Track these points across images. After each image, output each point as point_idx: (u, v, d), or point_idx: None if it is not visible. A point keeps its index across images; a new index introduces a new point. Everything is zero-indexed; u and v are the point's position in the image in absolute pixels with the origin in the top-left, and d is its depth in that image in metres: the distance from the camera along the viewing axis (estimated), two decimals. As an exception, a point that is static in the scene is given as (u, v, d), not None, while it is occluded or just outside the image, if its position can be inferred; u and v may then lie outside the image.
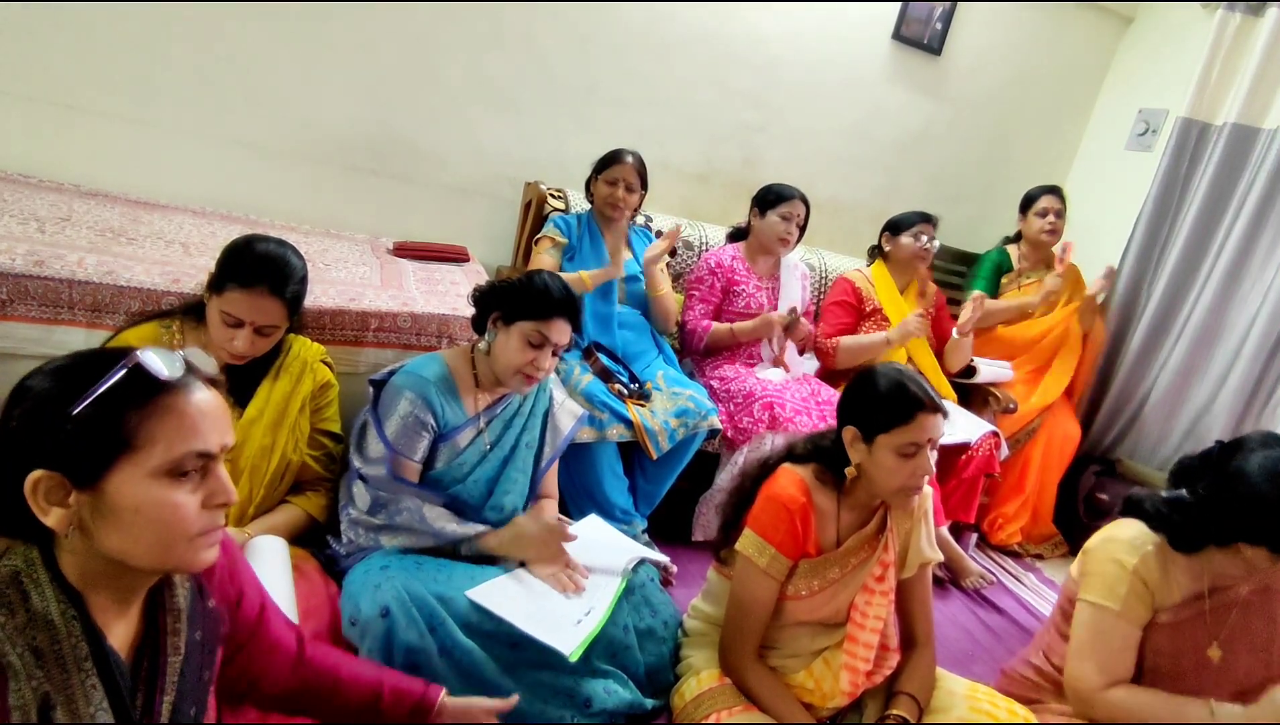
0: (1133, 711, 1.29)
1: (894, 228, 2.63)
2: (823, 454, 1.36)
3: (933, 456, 1.26)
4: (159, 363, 0.70)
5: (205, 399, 0.73)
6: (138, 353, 0.70)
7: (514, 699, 1.10)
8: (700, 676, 1.36)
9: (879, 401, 1.26)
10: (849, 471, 1.31)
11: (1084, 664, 1.34)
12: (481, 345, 1.53)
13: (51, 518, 0.67)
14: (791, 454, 1.41)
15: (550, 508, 1.68)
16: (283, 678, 0.96)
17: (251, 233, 1.44)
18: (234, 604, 0.89)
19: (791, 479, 1.33)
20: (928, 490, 1.42)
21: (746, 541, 1.32)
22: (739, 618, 1.34)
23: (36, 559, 0.69)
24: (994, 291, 2.91)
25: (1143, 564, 1.32)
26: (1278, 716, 1.20)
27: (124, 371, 0.69)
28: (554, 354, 1.51)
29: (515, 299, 1.49)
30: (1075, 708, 1.37)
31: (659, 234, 2.57)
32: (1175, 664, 1.34)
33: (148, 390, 0.70)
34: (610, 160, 2.27)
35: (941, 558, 1.45)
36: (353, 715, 1.00)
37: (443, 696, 1.03)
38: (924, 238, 2.56)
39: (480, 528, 1.49)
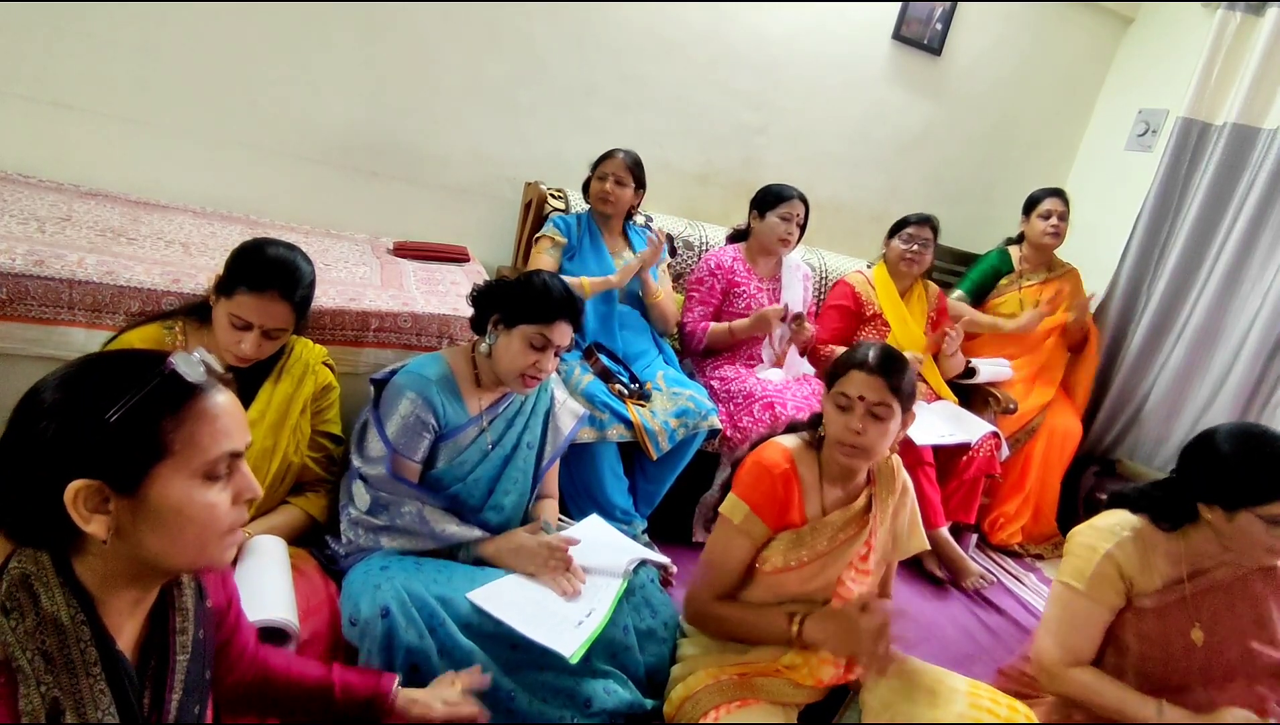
0: (1089, 691, 1.35)
1: (891, 230, 2.63)
2: (812, 420, 1.46)
3: (877, 427, 1.30)
4: (189, 367, 0.72)
5: (227, 399, 0.76)
6: (171, 359, 0.71)
7: (479, 675, 1.09)
8: (695, 675, 1.36)
9: (837, 360, 1.39)
10: (821, 431, 1.40)
11: (1048, 639, 1.41)
12: (483, 347, 1.53)
13: (93, 525, 0.68)
14: (785, 428, 1.51)
15: (550, 508, 1.67)
16: (240, 677, 0.96)
17: (260, 236, 1.43)
18: (224, 609, 0.90)
19: (777, 448, 1.40)
20: (910, 484, 1.48)
21: (727, 503, 1.39)
22: (707, 572, 1.40)
23: (46, 561, 0.70)
24: (980, 294, 2.91)
25: (1118, 549, 1.38)
26: None
27: (160, 378, 0.70)
28: (556, 355, 1.51)
29: (516, 301, 1.49)
30: (1039, 679, 1.44)
31: (661, 232, 2.57)
32: (1164, 649, 1.37)
33: (180, 395, 0.71)
34: (602, 157, 2.30)
35: (927, 546, 1.53)
36: (310, 711, 1.00)
37: (396, 686, 1.04)
38: (913, 242, 2.55)
39: (481, 533, 1.49)
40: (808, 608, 1.35)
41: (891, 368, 1.32)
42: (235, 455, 0.75)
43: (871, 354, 1.33)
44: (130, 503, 0.69)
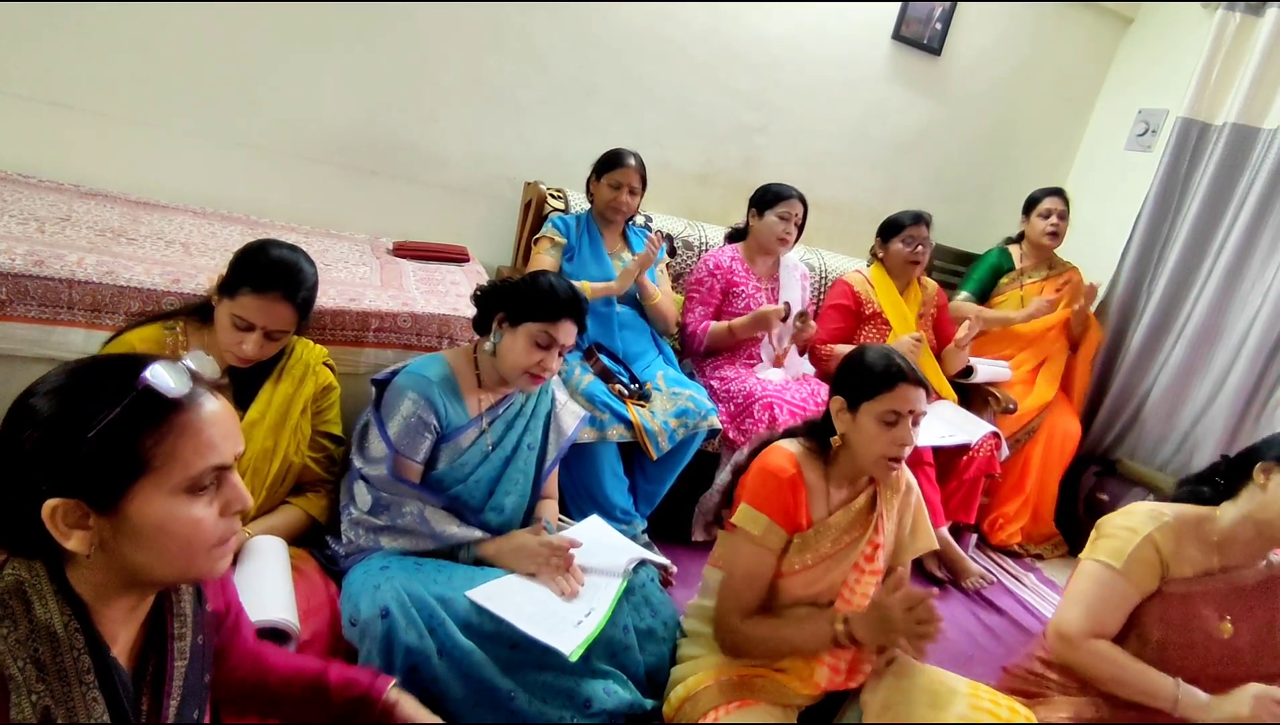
0: (1108, 662, 1.36)
1: (885, 233, 2.61)
2: (812, 427, 1.43)
3: (915, 432, 1.31)
4: (168, 381, 0.68)
5: (215, 409, 0.72)
6: (145, 374, 0.67)
7: None
8: (695, 676, 1.36)
9: (865, 371, 1.32)
10: (834, 441, 1.36)
11: (1072, 609, 1.41)
12: (487, 346, 1.53)
13: (73, 541, 0.66)
14: (782, 433, 1.48)
15: (550, 508, 1.67)
16: (241, 678, 0.96)
17: (260, 236, 1.44)
18: (223, 613, 0.90)
19: (782, 453, 1.37)
20: (914, 482, 1.48)
21: (742, 515, 1.35)
22: (736, 589, 1.34)
23: (41, 570, 0.69)
24: (985, 294, 2.92)
25: (1159, 532, 1.39)
26: (1238, 708, 1.26)
27: (133, 397, 0.67)
28: (560, 354, 1.51)
29: (521, 300, 1.49)
30: (1054, 649, 1.44)
31: (659, 234, 2.57)
32: (1185, 637, 1.38)
33: (160, 410, 0.68)
34: (613, 163, 2.25)
35: (935, 545, 1.52)
36: (305, 707, 1.00)
37: (390, 689, 1.02)
38: (915, 243, 2.54)
39: (481, 534, 1.49)
40: (848, 611, 1.33)
41: (920, 373, 1.32)
42: (222, 468, 0.72)
43: (905, 364, 1.31)
44: (110, 520, 0.67)
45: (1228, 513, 1.41)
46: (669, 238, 2.63)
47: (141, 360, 0.69)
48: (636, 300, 2.34)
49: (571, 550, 1.47)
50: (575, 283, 2.08)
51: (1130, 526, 1.42)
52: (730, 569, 1.36)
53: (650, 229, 2.56)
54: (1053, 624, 1.44)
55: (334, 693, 0.99)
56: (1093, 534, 1.50)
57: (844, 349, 2.50)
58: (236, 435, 0.75)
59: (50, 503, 0.65)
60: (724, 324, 2.38)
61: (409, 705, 1.02)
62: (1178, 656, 1.38)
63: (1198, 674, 1.37)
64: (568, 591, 1.41)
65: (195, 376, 0.71)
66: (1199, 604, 1.39)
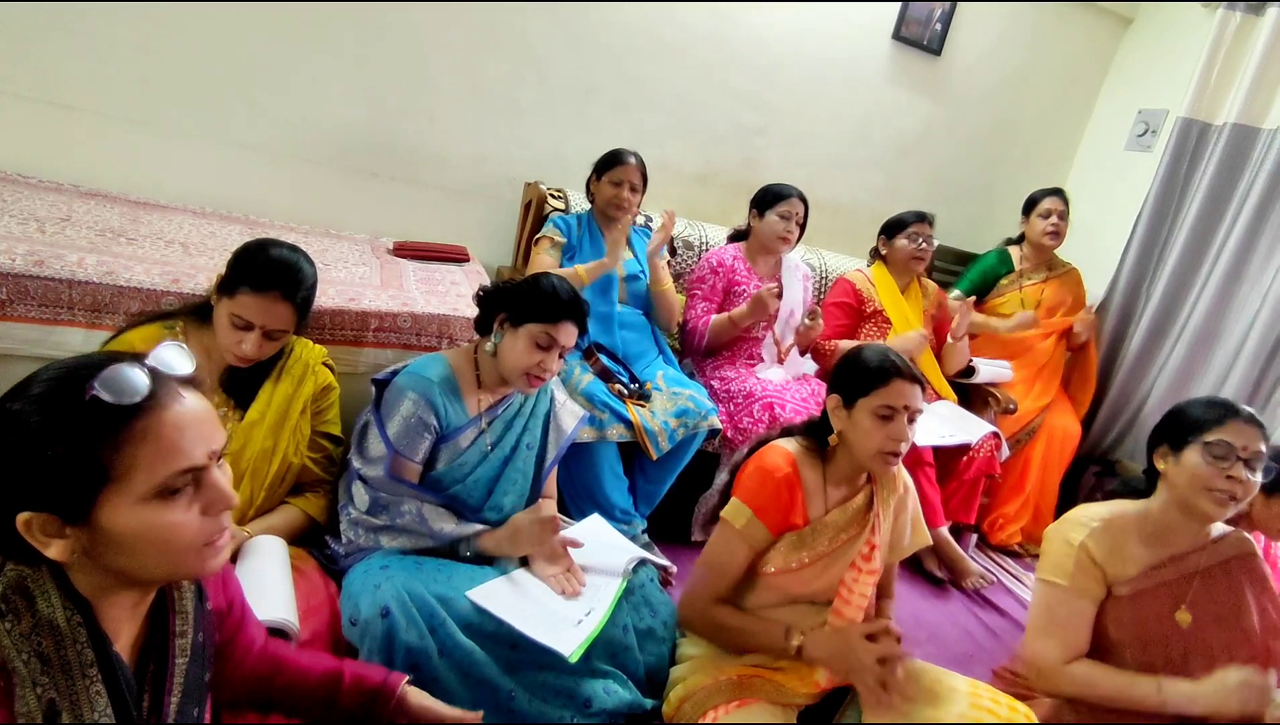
0: (1091, 685, 1.36)
1: (889, 230, 2.63)
2: (810, 426, 1.44)
3: (912, 429, 1.32)
4: (117, 389, 0.65)
5: (183, 410, 0.69)
6: (93, 383, 0.64)
7: (478, 715, 1.08)
8: (695, 676, 1.36)
9: (861, 368, 1.34)
10: (831, 439, 1.38)
11: (1043, 641, 1.42)
12: (488, 346, 1.53)
13: (53, 550, 0.65)
14: (780, 432, 1.49)
15: (549, 507, 1.67)
16: (248, 673, 0.96)
17: (261, 236, 1.44)
18: (224, 611, 0.90)
19: (779, 452, 1.38)
20: (911, 483, 1.48)
21: (729, 507, 1.37)
22: (705, 575, 1.37)
23: (43, 566, 0.69)
24: (979, 295, 2.92)
25: (1089, 539, 1.41)
26: (1223, 695, 1.26)
27: (83, 409, 0.64)
28: (560, 356, 1.52)
29: (523, 301, 1.49)
30: (1037, 683, 1.44)
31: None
32: (1144, 634, 1.38)
33: (115, 418, 0.65)
34: (613, 161, 2.26)
35: (930, 541, 1.53)
36: (316, 703, 1.00)
37: (404, 686, 1.02)
38: (920, 240, 2.55)
39: (479, 527, 1.49)
40: (810, 620, 1.34)
41: (916, 369, 1.33)
42: (194, 470, 0.69)
43: (900, 360, 1.32)
44: (85, 529, 0.66)
45: (1153, 503, 1.44)
46: (670, 238, 2.63)
47: (99, 365, 0.66)
48: (638, 299, 2.35)
49: (571, 550, 1.48)
50: (569, 270, 2.10)
51: (1065, 537, 1.43)
52: (707, 554, 1.39)
53: (650, 228, 2.56)
54: (1028, 658, 1.44)
55: (347, 688, 0.99)
56: (1042, 547, 1.50)
57: (847, 344, 2.50)
58: (212, 433, 0.71)
59: (21, 517, 0.64)
60: (724, 315, 2.38)
61: (423, 699, 1.02)
62: (1140, 655, 1.38)
63: (1163, 670, 1.36)
64: (568, 591, 1.42)
65: (157, 375, 0.68)
66: (1150, 599, 1.39)
